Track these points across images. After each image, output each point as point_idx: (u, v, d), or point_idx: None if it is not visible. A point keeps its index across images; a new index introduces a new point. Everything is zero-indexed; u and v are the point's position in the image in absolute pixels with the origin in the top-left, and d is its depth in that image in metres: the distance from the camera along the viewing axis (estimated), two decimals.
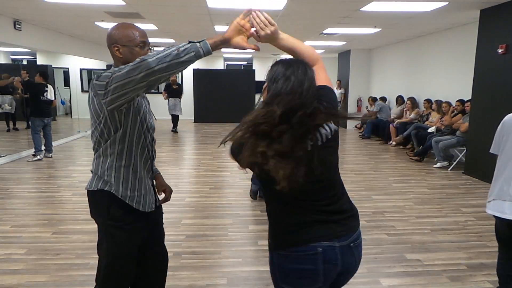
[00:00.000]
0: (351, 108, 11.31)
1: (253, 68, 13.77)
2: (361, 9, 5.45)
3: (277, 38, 1.30)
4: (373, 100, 10.06)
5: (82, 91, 11.94)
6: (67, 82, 12.07)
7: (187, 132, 10.45)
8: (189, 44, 1.29)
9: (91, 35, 8.57)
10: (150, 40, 1.69)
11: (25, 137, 8.07)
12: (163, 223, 1.92)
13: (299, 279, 1.23)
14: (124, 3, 5.22)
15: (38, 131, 6.48)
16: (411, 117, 8.07)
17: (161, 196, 1.94)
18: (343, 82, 11.61)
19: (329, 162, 1.23)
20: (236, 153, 1.16)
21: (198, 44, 1.29)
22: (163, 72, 1.30)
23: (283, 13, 5.78)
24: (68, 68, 11.68)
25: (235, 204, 4.26)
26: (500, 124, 2.21)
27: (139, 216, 1.67)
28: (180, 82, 11.36)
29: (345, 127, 11.36)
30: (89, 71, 12.28)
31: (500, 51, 4.99)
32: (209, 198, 4.48)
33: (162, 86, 10.47)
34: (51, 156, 6.70)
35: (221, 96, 12.32)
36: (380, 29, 7.26)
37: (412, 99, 8.22)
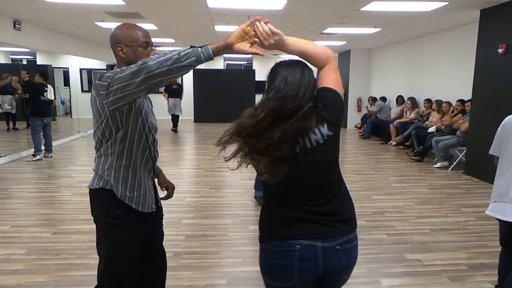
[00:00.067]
0: (351, 108, 11.31)
1: (253, 68, 13.77)
2: (361, 9, 5.45)
3: (283, 45, 1.24)
4: (373, 100, 10.06)
5: (82, 91, 11.94)
6: (67, 82, 12.07)
7: (187, 132, 10.45)
8: (191, 49, 1.28)
9: (91, 35, 8.57)
10: None
11: (25, 137, 8.07)
12: (162, 224, 1.92)
13: (276, 273, 1.27)
14: (124, 3, 5.22)
15: (38, 131, 6.48)
16: (411, 117, 8.07)
17: (164, 193, 1.94)
18: (343, 82, 11.57)
19: (318, 165, 1.23)
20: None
21: (199, 49, 1.27)
22: (163, 76, 1.30)
23: (283, 13, 5.78)
24: (68, 68, 11.69)
25: (235, 204, 4.26)
26: (501, 125, 2.20)
27: (139, 216, 1.67)
28: (180, 82, 11.37)
29: (345, 127, 11.36)
30: (89, 71, 12.28)
31: (500, 51, 4.99)
32: (209, 198, 4.48)
33: (162, 87, 10.48)
34: (51, 156, 6.69)
35: (221, 96, 12.31)
36: (380, 29, 7.26)
37: (412, 99, 8.22)
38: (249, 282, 2.60)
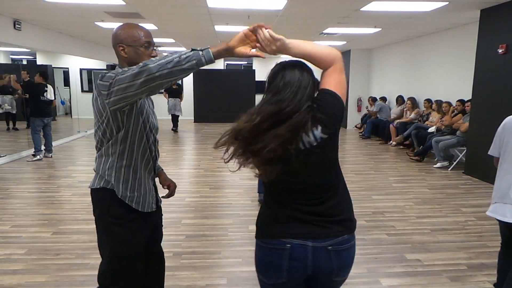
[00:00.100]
0: (351, 108, 11.31)
1: (253, 68, 13.77)
2: (361, 9, 5.45)
3: (286, 49, 1.21)
4: (373, 100, 10.07)
5: (82, 91, 11.94)
6: (67, 82, 12.08)
7: (187, 132, 10.45)
8: (192, 52, 1.28)
9: (91, 35, 8.57)
10: None
11: (25, 137, 8.08)
12: (162, 225, 1.92)
13: (266, 270, 1.30)
14: (124, 3, 5.22)
15: (38, 131, 6.49)
16: (411, 117, 8.07)
17: (165, 192, 1.94)
18: None
19: (313, 167, 1.23)
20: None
21: (200, 52, 1.27)
22: (163, 78, 1.30)
23: (283, 13, 5.78)
24: (68, 68, 11.69)
25: (235, 204, 4.26)
26: (501, 126, 2.19)
27: (140, 215, 1.67)
28: (180, 83, 11.36)
29: (345, 127, 11.36)
30: (89, 71, 12.28)
31: (500, 51, 4.99)
32: (209, 198, 4.48)
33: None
34: (51, 156, 6.69)
35: (221, 96, 12.32)
36: (380, 29, 7.26)
37: (412, 99, 8.22)
38: (249, 282, 2.60)
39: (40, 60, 11.69)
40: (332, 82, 1.22)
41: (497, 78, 5.14)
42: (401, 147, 7.96)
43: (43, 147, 6.63)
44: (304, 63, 1.27)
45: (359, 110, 11.27)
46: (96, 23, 6.82)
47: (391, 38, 8.71)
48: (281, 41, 1.20)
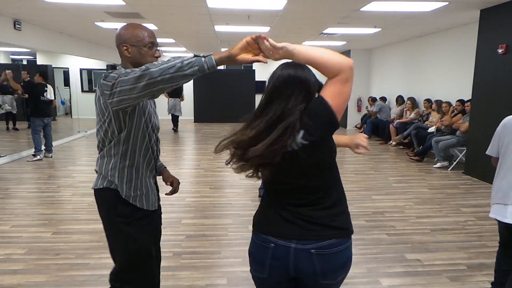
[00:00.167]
0: (351, 108, 11.31)
1: (253, 68, 13.77)
2: (361, 9, 5.45)
3: (291, 56, 1.18)
4: (373, 100, 10.07)
5: (82, 91, 11.94)
6: (67, 82, 12.07)
7: (187, 132, 10.46)
8: (194, 58, 1.28)
9: (91, 35, 8.57)
10: None
11: (25, 137, 8.08)
12: (161, 224, 1.93)
13: (253, 262, 1.35)
14: (124, 3, 5.22)
15: (38, 131, 6.49)
16: (411, 117, 8.08)
17: (168, 189, 1.95)
18: None
19: (299, 169, 1.24)
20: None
21: (203, 58, 1.27)
22: (165, 83, 1.30)
23: (283, 13, 5.79)
24: (68, 68, 11.68)
25: (235, 204, 4.26)
26: (500, 126, 2.18)
27: (145, 213, 1.70)
28: None
29: (345, 127, 11.36)
30: (89, 71, 12.28)
31: (500, 51, 4.99)
32: (209, 198, 4.48)
33: None
34: (51, 156, 6.70)
35: (221, 96, 12.32)
36: (380, 29, 7.26)
37: (412, 99, 8.22)
38: (249, 282, 2.59)
39: (40, 60, 11.68)
40: (330, 91, 1.20)
41: (497, 78, 5.14)
42: (401, 147, 7.96)
43: (43, 147, 6.64)
44: (301, 66, 1.27)
45: (359, 110, 11.27)
46: (96, 23, 6.82)
47: (391, 38, 8.71)
48: (284, 49, 1.18)
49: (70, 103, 11.55)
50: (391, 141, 8.37)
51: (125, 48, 1.60)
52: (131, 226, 1.65)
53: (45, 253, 3.00)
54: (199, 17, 6.28)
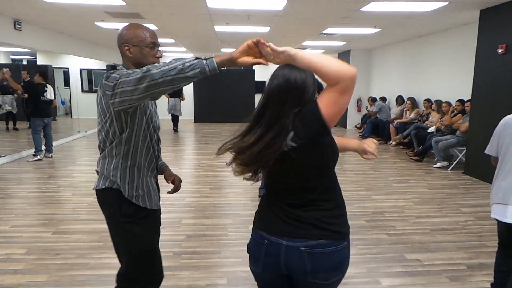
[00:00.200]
0: (351, 108, 11.31)
1: (253, 68, 13.79)
2: (361, 9, 5.45)
3: (292, 61, 1.17)
4: (372, 100, 10.07)
5: (82, 91, 11.95)
6: (67, 82, 12.08)
7: (187, 132, 10.46)
8: (196, 60, 1.28)
9: (91, 35, 8.57)
10: None
11: (25, 137, 8.08)
12: (160, 223, 1.94)
13: (250, 259, 1.41)
14: (124, 3, 5.22)
15: (39, 131, 6.49)
16: (411, 117, 8.08)
17: (169, 188, 1.96)
18: None
19: (291, 170, 1.28)
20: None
21: (204, 61, 1.27)
22: (166, 85, 1.31)
23: (283, 13, 5.79)
24: (68, 68, 11.69)
25: (235, 204, 4.26)
26: (500, 125, 2.17)
27: (149, 213, 1.71)
28: None
29: (345, 127, 11.37)
30: (89, 71, 12.28)
31: (500, 51, 5.00)
32: (209, 198, 4.48)
33: None
34: (51, 156, 6.70)
35: (221, 96, 12.32)
36: (380, 29, 7.26)
37: (412, 99, 8.22)
38: (249, 282, 2.60)
39: (40, 60, 11.68)
40: (326, 99, 1.18)
41: (496, 78, 5.15)
42: (401, 147, 7.96)
43: (43, 147, 6.64)
44: (296, 69, 1.26)
45: (359, 110, 11.28)
46: (96, 23, 6.82)
47: (391, 38, 8.71)
48: (285, 53, 1.17)
49: (70, 103, 11.56)
50: (391, 141, 8.37)
51: (126, 48, 1.60)
52: (136, 225, 1.66)
53: (45, 253, 3.00)
54: (199, 17, 6.28)
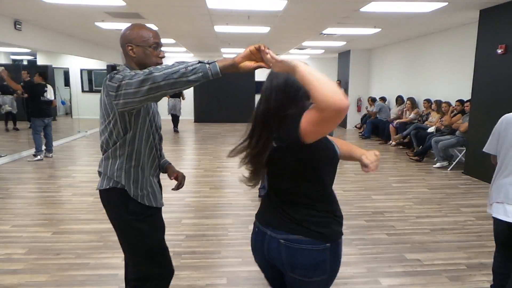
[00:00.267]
0: (351, 108, 11.31)
1: None
2: (361, 9, 5.46)
3: (292, 72, 1.14)
4: (372, 100, 10.07)
5: (82, 91, 11.94)
6: (67, 82, 12.06)
7: (187, 132, 10.46)
8: (198, 64, 1.29)
9: (91, 35, 8.57)
10: None
11: (25, 137, 8.08)
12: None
13: (251, 246, 1.49)
14: (124, 3, 5.22)
15: (39, 132, 6.50)
16: (411, 117, 8.08)
17: (172, 186, 1.96)
18: (343, 82, 11.62)
19: (279, 171, 1.35)
20: None
21: (207, 65, 1.28)
22: (168, 88, 1.31)
23: (283, 14, 5.79)
24: (68, 68, 11.68)
25: (235, 204, 4.27)
26: (499, 123, 2.16)
27: (155, 211, 1.73)
28: None
29: (345, 127, 11.37)
30: (89, 71, 12.27)
31: (499, 51, 5.00)
32: (209, 198, 4.48)
33: None
34: (52, 156, 6.70)
35: (221, 96, 12.32)
36: (380, 29, 7.26)
37: (411, 99, 8.22)
38: (249, 282, 2.61)
39: (40, 60, 11.67)
40: (309, 115, 1.16)
41: (496, 78, 5.15)
42: (401, 147, 7.97)
43: (43, 147, 6.64)
44: (286, 76, 1.29)
45: (358, 110, 11.28)
46: (96, 23, 6.83)
47: (391, 38, 8.71)
48: (284, 63, 1.15)
49: (71, 103, 11.55)
50: (391, 141, 8.37)
51: (130, 48, 1.61)
52: (143, 223, 1.68)
53: (45, 253, 3.01)
54: (199, 17, 6.28)
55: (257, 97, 1.41)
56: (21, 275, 2.65)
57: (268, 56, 1.20)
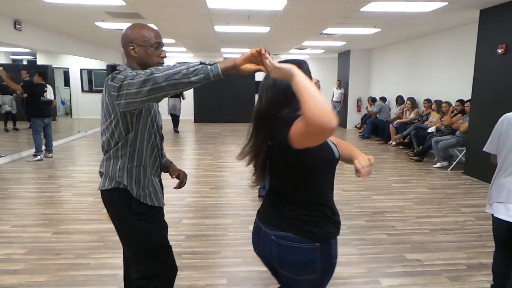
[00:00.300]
0: (351, 108, 11.32)
1: None
2: (361, 9, 5.46)
3: (289, 79, 1.12)
4: (372, 100, 10.07)
5: (82, 91, 11.93)
6: (67, 82, 12.05)
7: (187, 132, 10.46)
8: (200, 65, 1.29)
9: (91, 35, 8.57)
10: None
11: (25, 137, 8.08)
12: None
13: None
14: (124, 3, 5.22)
15: (39, 132, 6.49)
16: (411, 117, 8.08)
17: (170, 188, 1.97)
18: (343, 82, 11.62)
19: (274, 172, 1.39)
20: None
21: (209, 66, 1.28)
22: (169, 89, 1.31)
23: (283, 13, 5.79)
24: (68, 68, 11.68)
25: (235, 204, 4.27)
26: (500, 123, 2.15)
27: (157, 210, 1.74)
28: None
29: (345, 127, 11.37)
30: (89, 71, 12.26)
31: (499, 51, 5.00)
32: (209, 198, 4.48)
33: None
34: (51, 156, 6.70)
35: (221, 96, 12.32)
36: (380, 29, 7.26)
37: (411, 99, 8.22)
38: (249, 282, 2.60)
39: (40, 60, 11.66)
40: (297, 126, 1.15)
41: (496, 78, 5.15)
42: (401, 147, 7.96)
43: (43, 147, 6.64)
44: (301, 63, 1.30)
45: (358, 110, 11.28)
46: (96, 23, 6.82)
47: (391, 38, 8.71)
48: (281, 70, 1.14)
49: (70, 103, 11.55)
50: (391, 141, 8.37)
51: (131, 47, 1.61)
52: (146, 223, 1.68)
53: (45, 253, 3.01)
54: (199, 17, 6.28)
55: (257, 97, 1.42)
56: (21, 275, 2.65)
57: (267, 61, 1.20)
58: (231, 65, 1.27)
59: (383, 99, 9.69)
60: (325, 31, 7.60)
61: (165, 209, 1.95)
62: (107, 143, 1.63)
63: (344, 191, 4.76)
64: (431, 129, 6.93)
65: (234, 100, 12.19)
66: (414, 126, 7.57)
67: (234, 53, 12.68)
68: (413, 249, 3.14)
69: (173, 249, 3.07)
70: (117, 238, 1.75)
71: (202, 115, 12.54)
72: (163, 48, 1.69)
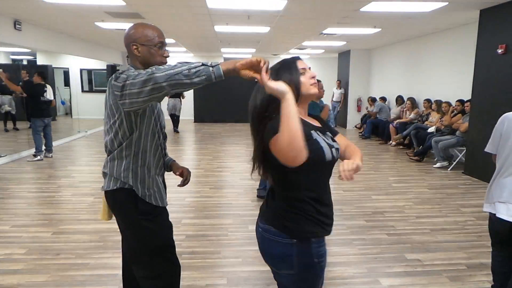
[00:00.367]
0: (351, 108, 11.32)
1: None
2: (361, 9, 5.45)
3: (279, 99, 1.18)
4: (372, 100, 10.07)
5: (82, 91, 11.94)
6: (67, 82, 12.05)
7: (187, 132, 10.46)
8: (202, 67, 1.28)
9: (91, 35, 8.57)
10: None
11: (25, 137, 8.08)
12: None
13: None
14: (124, 3, 5.22)
15: (39, 132, 6.49)
16: (411, 117, 8.08)
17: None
18: (343, 82, 11.62)
19: (267, 169, 1.42)
20: None
21: (211, 68, 1.27)
22: (170, 89, 1.32)
23: (283, 13, 5.79)
24: (68, 68, 11.68)
25: (235, 204, 4.26)
26: (501, 122, 2.15)
27: (162, 210, 1.75)
28: None
29: (345, 127, 11.37)
30: (89, 71, 12.26)
31: (499, 51, 5.00)
32: (209, 198, 4.48)
33: None
34: (51, 156, 6.70)
35: (221, 96, 12.32)
36: (380, 29, 7.26)
37: (412, 99, 8.22)
38: (249, 282, 2.60)
39: (40, 60, 11.66)
40: (275, 140, 1.22)
41: (496, 78, 5.15)
42: (401, 147, 7.96)
43: (43, 147, 6.64)
44: (294, 61, 1.34)
45: (358, 110, 11.28)
46: (96, 23, 6.82)
47: (391, 38, 8.71)
48: (273, 89, 1.19)
49: (70, 103, 11.55)
50: (391, 141, 8.37)
51: (135, 47, 1.61)
52: (152, 222, 1.69)
53: (45, 253, 3.00)
54: (199, 17, 6.28)
55: (252, 95, 1.42)
56: (21, 275, 2.65)
57: (263, 75, 1.22)
58: (233, 67, 1.27)
59: (383, 99, 9.69)
60: (325, 31, 7.60)
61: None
62: (110, 143, 1.63)
63: (344, 191, 4.76)
64: (431, 129, 6.93)
65: (234, 100, 12.17)
66: (414, 126, 7.57)
67: (234, 53, 12.68)
68: (413, 249, 3.14)
69: None
70: (117, 238, 1.75)
71: (202, 115, 12.54)
72: (166, 48, 1.69)
